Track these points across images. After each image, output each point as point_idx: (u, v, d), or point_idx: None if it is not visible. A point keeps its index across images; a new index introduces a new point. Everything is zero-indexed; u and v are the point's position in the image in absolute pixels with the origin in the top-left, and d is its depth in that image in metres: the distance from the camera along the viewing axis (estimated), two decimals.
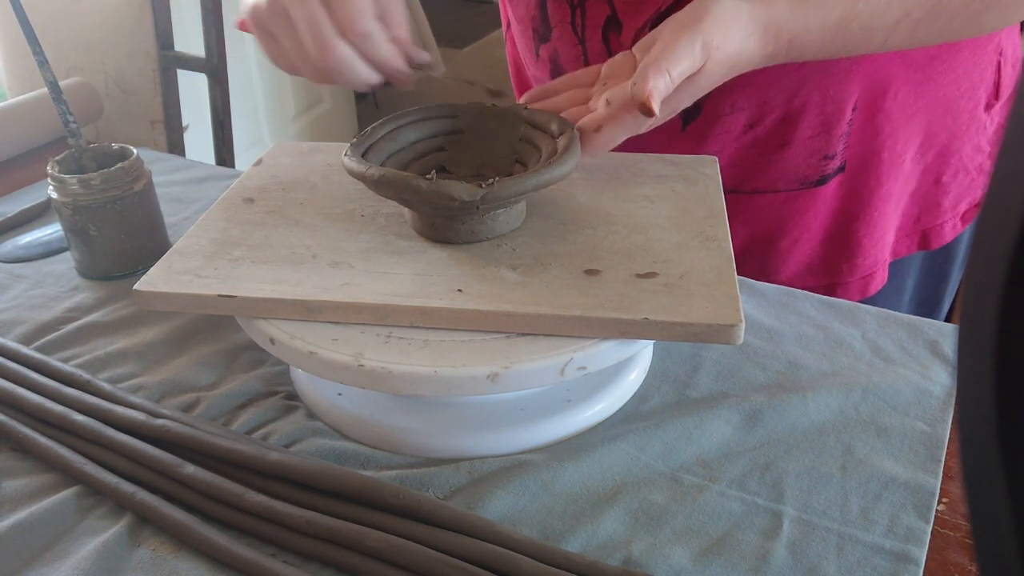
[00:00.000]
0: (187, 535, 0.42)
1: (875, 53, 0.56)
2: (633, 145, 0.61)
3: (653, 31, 0.54)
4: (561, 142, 0.51)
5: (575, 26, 0.66)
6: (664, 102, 0.48)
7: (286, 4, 0.49)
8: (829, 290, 0.70)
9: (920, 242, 0.72)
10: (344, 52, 0.49)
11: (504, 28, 0.79)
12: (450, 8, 2.44)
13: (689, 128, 0.66)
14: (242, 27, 0.55)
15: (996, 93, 0.69)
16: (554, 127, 0.52)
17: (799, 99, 0.63)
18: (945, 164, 0.69)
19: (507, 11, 0.75)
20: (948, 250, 0.74)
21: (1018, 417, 0.15)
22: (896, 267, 0.72)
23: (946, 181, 0.70)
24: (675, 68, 0.47)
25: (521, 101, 0.58)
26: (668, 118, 0.52)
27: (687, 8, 0.50)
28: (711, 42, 0.48)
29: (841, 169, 0.66)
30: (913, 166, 0.68)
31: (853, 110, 0.64)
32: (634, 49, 0.56)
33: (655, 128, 0.64)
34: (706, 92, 0.51)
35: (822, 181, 0.66)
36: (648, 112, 0.46)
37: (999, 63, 0.68)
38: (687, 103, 0.52)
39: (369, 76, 0.51)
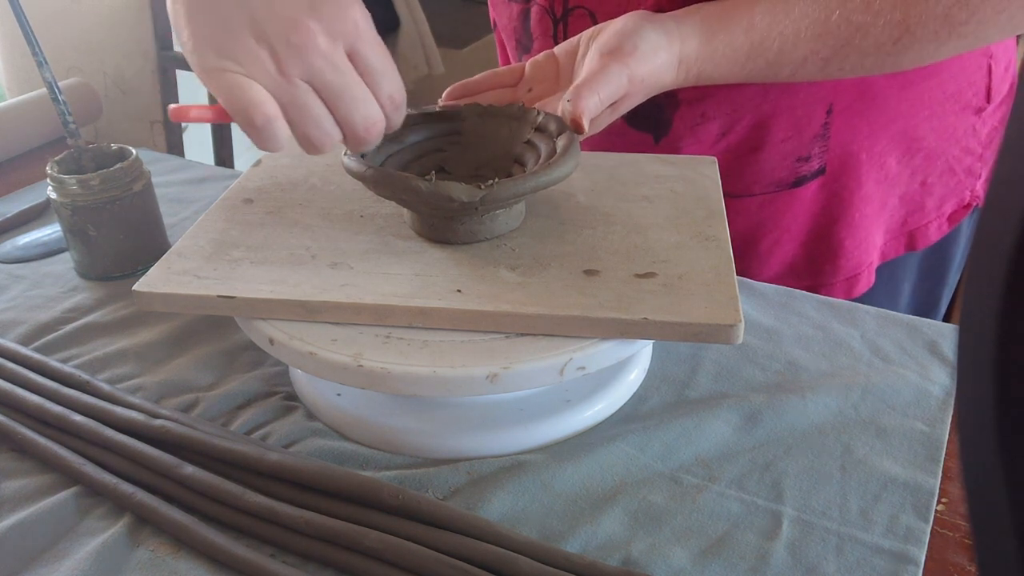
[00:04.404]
0: (186, 535, 0.42)
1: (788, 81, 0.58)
2: None
3: (577, 38, 0.58)
4: (560, 143, 0.51)
5: (557, 40, 0.67)
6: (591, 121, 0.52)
7: (314, 69, 0.43)
8: (813, 292, 0.70)
9: (907, 243, 0.72)
10: (384, 125, 0.47)
11: (492, 26, 0.79)
12: (450, 8, 2.44)
13: (663, 141, 0.67)
14: (180, 118, 0.46)
15: (987, 96, 0.69)
16: (553, 127, 0.52)
17: (769, 104, 0.64)
18: (931, 166, 0.69)
19: (493, 13, 0.76)
20: (942, 252, 0.74)
21: (1018, 417, 0.15)
22: (889, 269, 0.73)
23: (931, 183, 0.70)
24: (604, 91, 0.51)
25: (444, 95, 0.59)
26: (593, 133, 0.55)
27: (614, 35, 0.54)
28: (636, 75, 0.52)
29: (821, 171, 0.67)
30: (900, 169, 0.68)
31: (828, 113, 0.64)
32: (556, 51, 0.59)
33: (629, 144, 0.67)
34: (623, 114, 0.56)
35: (798, 183, 0.67)
36: (579, 129, 0.50)
37: (989, 67, 0.68)
38: (608, 122, 0.56)
39: (377, 144, 0.49)
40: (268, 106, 0.42)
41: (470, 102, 0.57)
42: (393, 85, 0.46)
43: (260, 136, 0.43)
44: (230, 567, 0.41)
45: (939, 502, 0.44)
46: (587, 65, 0.54)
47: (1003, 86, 0.70)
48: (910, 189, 0.70)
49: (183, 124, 1.65)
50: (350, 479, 0.43)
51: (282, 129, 0.43)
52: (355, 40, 0.43)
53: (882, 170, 0.68)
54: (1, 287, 0.65)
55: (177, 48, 1.58)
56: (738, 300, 0.45)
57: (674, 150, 0.67)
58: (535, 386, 0.45)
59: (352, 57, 0.44)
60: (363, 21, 0.44)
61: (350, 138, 0.46)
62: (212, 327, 0.59)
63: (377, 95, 0.45)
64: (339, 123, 0.45)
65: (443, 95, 0.59)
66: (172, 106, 0.46)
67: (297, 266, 0.49)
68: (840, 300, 0.60)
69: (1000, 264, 0.14)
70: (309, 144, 0.45)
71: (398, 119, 0.48)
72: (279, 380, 0.54)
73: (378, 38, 0.45)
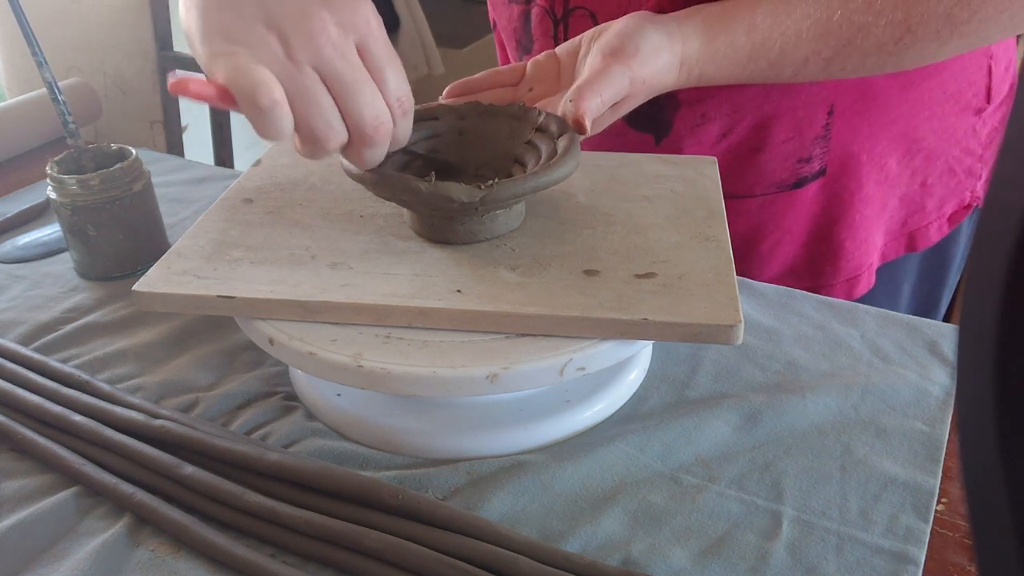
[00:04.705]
0: (186, 535, 0.42)
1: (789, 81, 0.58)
2: None
3: (579, 38, 0.58)
4: (561, 143, 0.51)
5: (557, 41, 0.67)
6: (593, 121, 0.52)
7: (323, 57, 0.42)
8: (813, 293, 0.70)
9: (908, 244, 0.72)
10: (391, 128, 0.46)
11: (492, 26, 0.79)
12: (450, 8, 2.44)
13: (663, 142, 0.67)
14: (180, 91, 0.43)
15: (987, 97, 0.69)
16: (554, 128, 0.52)
17: (770, 105, 0.64)
18: (932, 167, 0.69)
19: (492, 14, 0.76)
20: (942, 252, 0.74)
21: (1018, 417, 0.15)
22: (890, 270, 0.73)
23: (932, 183, 0.70)
24: (606, 92, 0.51)
25: (445, 93, 0.59)
26: (594, 134, 0.55)
27: (616, 36, 0.53)
28: (638, 77, 0.52)
29: (822, 173, 0.67)
30: (900, 170, 0.68)
31: (829, 114, 0.64)
32: (557, 51, 0.59)
33: (630, 144, 0.67)
34: (624, 115, 0.56)
35: (799, 184, 0.67)
36: (581, 130, 0.50)
37: (989, 67, 0.68)
38: (609, 123, 0.56)
39: (383, 156, 0.47)
40: (274, 89, 0.41)
41: (471, 101, 0.57)
42: (402, 88, 0.45)
43: (264, 120, 0.42)
44: (230, 567, 0.41)
45: (939, 502, 0.44)
46: (589, 65, 0.54)
47: (1003, 86, 0.70)
48: (910, 190, 0.70)
49: (183, 123, 1.65)
50: (350, 479, 0.43)
51: (287, 116, 0.42)
52: (366, 35, 0.43)
53: (883, 171, 0.68)
54: (1, 287, 0.65)
55: (177, 48, 1.58)
56: (738, 300, 0.45)
57: (675, 151, 0.67)
58: (535, 386, 0.45)
59: (362, 53, 0.43)
60: (374, 19, 0.44)
61: (356, 136, 0.44)
62: (212, 327, 0.59)
63: (385, 95, 0.44)
64: (346, 118, 0.44)
65: (443, 93, 0.59)
66: (172, 80, 0.44)
67: (297, 266, 0.49)
68: (840, 300, 0.60)
69: (1000, 264, 0.14)
70: (312, 139, 0.44)
71: (405, 127, 0.47)
72: (279, 380, 0.54)
73: (388, 40, 0.45)
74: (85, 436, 0.47)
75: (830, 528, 0.42)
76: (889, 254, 0.72)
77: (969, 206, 0.72)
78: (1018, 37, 0.74)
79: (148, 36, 1.54)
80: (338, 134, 0.44)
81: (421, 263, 0.49)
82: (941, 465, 0.46)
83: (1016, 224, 0.14)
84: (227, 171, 0.85)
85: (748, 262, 0.70)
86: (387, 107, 0.45)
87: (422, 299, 0.46)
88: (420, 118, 0.56)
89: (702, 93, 0.64)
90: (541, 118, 0.53)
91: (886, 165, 0.68)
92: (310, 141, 0.44)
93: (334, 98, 0.43)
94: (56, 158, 0.63)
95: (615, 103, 0.53)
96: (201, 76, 0.45)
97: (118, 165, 0.63)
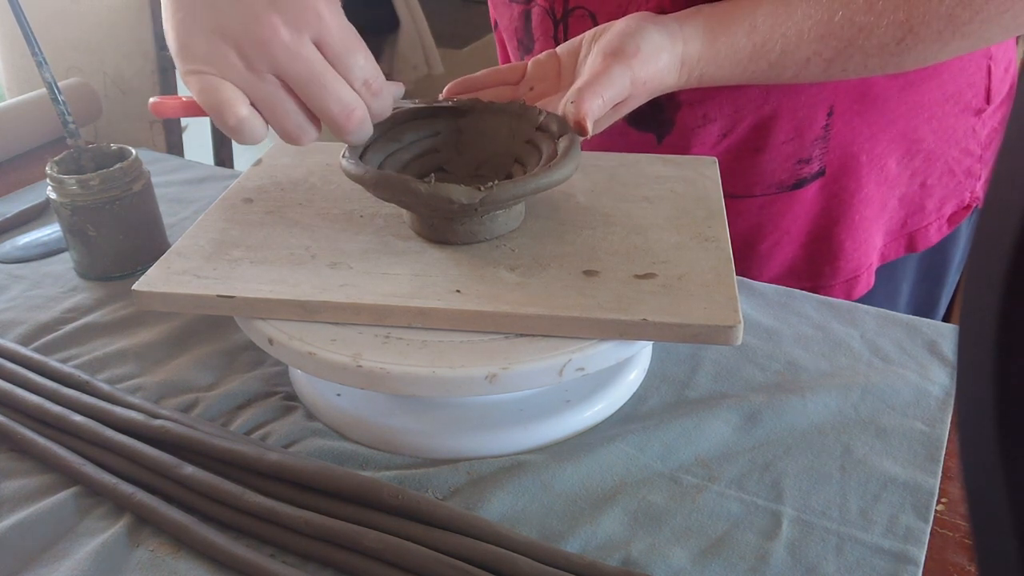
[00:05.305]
0: (186, 535, 0.42)
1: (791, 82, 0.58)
2: None
3: (580, 38, 0.57)
4: (561, 144, 0.51)
5: (557, 40, 0.67)
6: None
7: (279, 62, 0.43)
8: (813, 293, 0.70)
9: (907, 245, 0.72)
10: (364, 112, 0.47)
11: (493, 26, 0.79)
12: (450, 8, 2.44)
13: (665, 142, 0.67)
14: (159, 112, 0.48)
15: (987, 98, 0.69)
16: (554, 127, 0.52)
17: (770, 106, 0.64)
18: (931, 167, 0.69)
19: (493, 13, 0.76)
20: (942, 253, 0.74)
21: (1018, 417, 0.15)
22: (889, 271, 0.73)
23: (931, 184, 0.70)
24: (607, 93, 0.51)
25: (445, 91, 0.59)
26: (594, 135, 0.55)
27: (616, 36, 0.53)
28: (639, 77, 0.52)
29: (821, 173, 0.67)
30: (900, 170, 0.68)
31: (829, 115, 0.64)
32: (558, 50, 0.59)
33: (631, 145, 0.67)
34: (624, 115, 0.56)
35: (799, 185, 0.67)
36: (583, 132, 0.50)
37: (989, 68, 0.68)
38: (609, 124, 0.56)
39: (369, 133, 0.48)
40: (239, 107, 0.44)
41: (471, 98, 0.57)
42: (367, 71, 0.46)
43: (235, 135, 0.45)
44: (230, 567, 0.41)
45: (939, 502, 0.44)
46: (589, 66, 0.54)
47: (1003, 87, 0.70)
48: (910, 191, 0.70)
49: (182, 123, 1.65)
50: (350, 479, 0.43)
51: (257, 127, 0.45)
52: (319, 29, 0.44)
53: (882, 172, 0.68)
54: (1, 287, 0.65)
55: None
56: (737, 301, 0.45)
57: (676, 151, 0.67)
58: (534, 387, 0.45)
59: (320, 47, 0.45)
60: (327, 10, 0.44)
61: (331, 128, 0.47)
62: (212, 327, 0.59)
63: (351, 82, 0.46)
64: (315, 113, 0.46)
65: (444, 91, 0.59)
66: (152, 100, 0.48)
67: (297, 266, 0.49)
68: (840, 300, 0.60)
69: (1000, 264, 0.14)
70: (287, 137, 0.46)
71: (380, 106, 0.48)
72: (279, 380, 0.54)
73: (347, 26, 0.45)
74: (85, 436, 0.47)
75: (830, 528, 0.42)
76: (888, 255, 0.72)
77: (969, 207, 0.72)
78: (1018, 38, 0.74)
79: (148, 36, 1.54)
80: (309, 130, 0.46)
81: (421, 263, 0.49)
82: (941, 465, 0.46)
83: (1016, 224, 0.14)
84: (227, 171, 0.85)
85: (748, 262, 0.70)
86: (355, 94, 0.46)
87: (422, 299, 0.46)
88: (419, 116, 0.56)
89: (703, 94, 0.64)
90: (542, 117, 0.53)
91: (886, 166, 0.68)
92: (286, 138, 0.47)
93: (299, 97, 0.45)
94: (56, 158, 0.63)
95: (616, 104, 0.52)
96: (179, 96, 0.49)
97: (118, 165, 0.63)
